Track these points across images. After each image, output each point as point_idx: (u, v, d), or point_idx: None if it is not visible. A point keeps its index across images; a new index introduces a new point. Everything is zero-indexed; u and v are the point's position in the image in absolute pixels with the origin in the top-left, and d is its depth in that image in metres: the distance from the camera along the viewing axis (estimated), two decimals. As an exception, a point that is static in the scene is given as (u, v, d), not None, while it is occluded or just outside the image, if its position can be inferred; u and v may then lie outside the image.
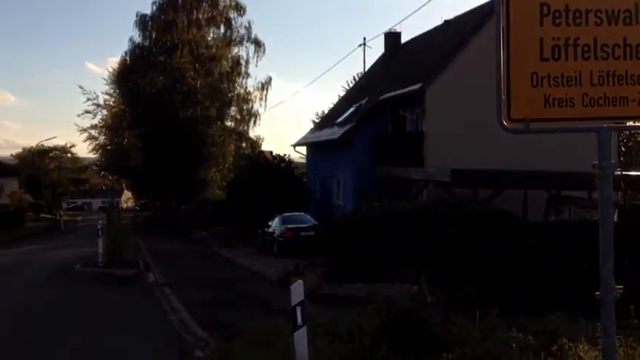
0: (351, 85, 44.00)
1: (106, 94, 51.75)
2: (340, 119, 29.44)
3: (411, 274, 9.16)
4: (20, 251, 28.98)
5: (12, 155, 76.29)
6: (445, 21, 30.25)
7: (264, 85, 46.29)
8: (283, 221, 23.88)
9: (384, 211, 15.34)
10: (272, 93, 70.76)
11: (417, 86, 23.32)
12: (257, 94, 46.18)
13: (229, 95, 44.84)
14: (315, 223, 23.93)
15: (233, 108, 45.61)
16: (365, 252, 14.67)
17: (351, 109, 29.27)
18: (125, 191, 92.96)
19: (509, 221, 14.06)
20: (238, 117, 45.91)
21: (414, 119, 24.61)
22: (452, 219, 13.63)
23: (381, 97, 26.25)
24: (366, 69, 37.46)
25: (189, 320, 11.95)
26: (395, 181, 24.06)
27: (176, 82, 41.95)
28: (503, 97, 3.97)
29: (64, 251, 28.02)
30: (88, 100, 53.27)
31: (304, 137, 35.56)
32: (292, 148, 35.38)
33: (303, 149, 35.29)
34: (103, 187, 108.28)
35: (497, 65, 3.95)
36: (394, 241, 14.22)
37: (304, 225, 23.61)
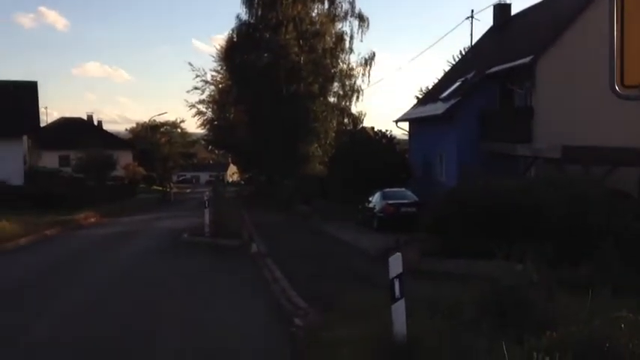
0: (457, 59, 42.95)
1: (214, 70, 53.45)
2: (445, 94, 28.85)
3: (515, 252, 8.90)
4: (133, 220, 30.61)
5: (126, 130, 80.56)
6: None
7: (368, 61, 45.89)
8: (384, 197, 23.80)
9: (488, 188, 14.96)
10: (375, 68, 70.31)
11: (526, 59, 22.44)
12: (360, 69, 45.91)
13: (332, 71, 44.87)
14: (417, 199, 23.69)
15: (336, 84, 45.63)
16: (467, 229, 14.42)
17: (457, 84, 28.61)
18: (231, 165, 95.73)
19: (623, 200, 13.35)
20: (341, 93, 45.87)
21: (523, 94, 23.73)
22: (560, 196, 13.10)
23: (488, 71, 25.48)
24: (474, 42, 36.39)
25: (290, 290, 12.18)
26: (501, 158, 23.38)
27: (280, 59, 42.48)
28: (617, 62, 3.73)
29: (173, 221, 29.35)
30: (197, 76, 55.25)
31: (407, 113, 35.15)
32: (395, 123, 35.13)
33: (406, 125, 34.93)
34: (210, 162, 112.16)
35: (611, 28, 3.72)
36: (498, 218, 13.87)
37: (405, 201, 23.44)
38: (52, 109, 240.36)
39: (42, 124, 60.29)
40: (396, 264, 7.21)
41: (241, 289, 12.84)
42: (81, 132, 52.92)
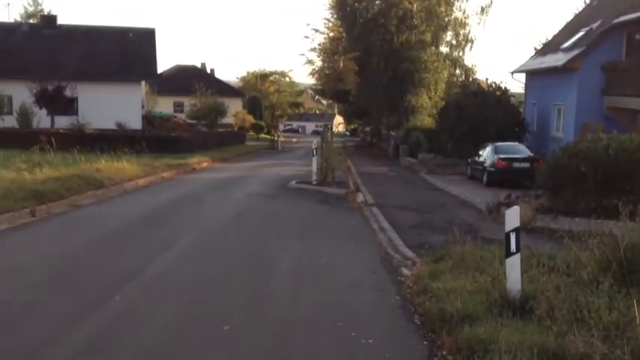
0: (581, 8, 40.32)
1: (325, 19, 53.08)
2: (566, 44, 27.21)
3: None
4: (242, 167, 31.37)
5: (237, 78, 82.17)
6: None
7: (484, 9, 43.81)
8: (496, 151, 22.98)
9: (611, 144, 14.06)
10: (492, 17, 66.97)
11: (659, 7, 20.72)
12: (475, 18, 44.07)
13: (446, 19, 43.34)
14: (531, 154, 22.73)
15: (449, 33, 44.07)
16: (586, 186, 13.69)
17: (580, 34, 26.89)
18: (337, 116, 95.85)
19: None
20: (454, 42, 44.26)
21: (653, 45, 22.01)
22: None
23: (615, 21, 23.74)
24: (599, -10, 33.92)
25: (397, 239, 12.07)
26: (625, 113, 21.93)
27: (392, 6, 41.51)
28: None
29: (281, 169, 29.82)
30: (307, 25, 54.94)
31: (524, 64, 33.54)
32: (510, 75, 33.66)
33: (522, 77, 33.38)
34: (317, 112, 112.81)
35: None
36: (621, 176, 13.07)
37: (518, 156, 22.54)
38: (167, 57, 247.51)
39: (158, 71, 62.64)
40: (512, 217, 6.92)
41: (348, 237, 12.85)
42: (194, 79, 54.44)
